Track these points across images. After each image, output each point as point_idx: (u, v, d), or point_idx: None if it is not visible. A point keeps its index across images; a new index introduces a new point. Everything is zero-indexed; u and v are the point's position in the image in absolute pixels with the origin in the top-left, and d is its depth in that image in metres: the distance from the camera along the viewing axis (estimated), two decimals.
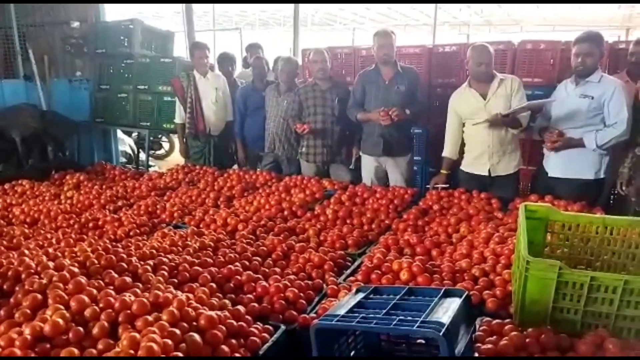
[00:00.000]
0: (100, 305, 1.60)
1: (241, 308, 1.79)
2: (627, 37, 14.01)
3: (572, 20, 15.89)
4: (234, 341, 1.58)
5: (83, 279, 1.75)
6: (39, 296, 1.65)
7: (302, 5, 7.60)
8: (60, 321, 1.49)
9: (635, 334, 1.59)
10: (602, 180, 3.23)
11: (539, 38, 4.09)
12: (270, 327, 1.74)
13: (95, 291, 1.67)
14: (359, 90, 3.83)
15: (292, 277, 2.16)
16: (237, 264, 2.22)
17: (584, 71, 3.03)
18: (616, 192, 3.42)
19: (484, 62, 3.25)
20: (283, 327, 1.75)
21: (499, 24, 19.09)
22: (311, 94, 4.00)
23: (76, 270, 1.85)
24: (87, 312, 1.56)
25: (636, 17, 16.18)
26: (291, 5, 7.44)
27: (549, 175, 3.31)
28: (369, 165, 3.94)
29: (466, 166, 3.55)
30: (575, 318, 1.63)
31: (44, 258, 1.99)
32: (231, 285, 2.06)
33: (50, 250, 2.20)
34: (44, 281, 1.73)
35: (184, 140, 4.77)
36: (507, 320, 1.75)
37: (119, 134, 6.41)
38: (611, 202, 3.63)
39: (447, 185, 3.53)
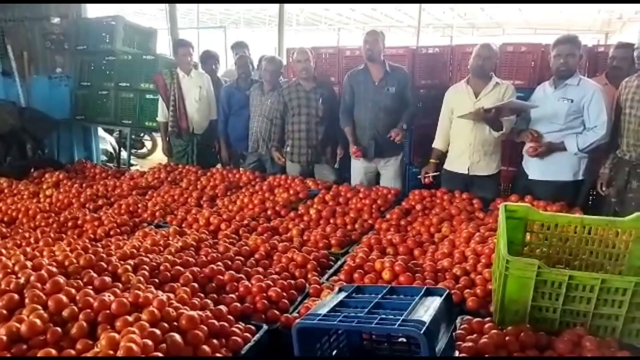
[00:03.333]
0: (79, 305, 1.58)
1: (223, 308, 1.78)
2: (606, 41, 14.32)
3: (553, 25, 16.16)
4: (215, 341, 1.56)
5: (61, 279, 1.72)
6: (16, 296, 1.62)
7: (287, 5, 7.58)
8: (38, 321, 1.46)
9: (611, 332, 1.63)
10: (581, 182, 3.29)
11: (520, 41, 4.15)
12: (253, 327, 1.73)
13: (73, 291, 1.65)
14: (348, 92, 3.81)
15: (274, 276, 2.15)
16: (219, 263, 2.20)
17: (567, 72, 3.08)
18: (595, 193, 3.49)
19: (483, 57, 3.29)
20: (265, 327, 1.74)
21: (481, 26, 19.33)
22: (295, 94, 3.98)
23: (54, 270, 1.81)
24: (66, 312, 1.54)
25: (615, 22, 16.52)
26: (276, 5, 7.43)
27: (528, 177, 3.36)
28: (359, 167, 3.92)
29: (448, 164, 3.60)
30: (554, 316, 1.66)
31: (22, 257, 1.95)
32: (213, 285, 2.05)
33: (28, 249, 2.16)
34: (21, 281, 1.70)
35: (167, 138, 4.72)
36: (487, 318, 1.77)
37: (100, 132, 6.32)
38: (590, 202, 3.70)
39: (438, 173, 3.60)
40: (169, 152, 4.76)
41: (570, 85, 3.11)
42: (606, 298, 1.59)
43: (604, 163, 3.29)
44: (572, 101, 3.08)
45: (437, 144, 3.62)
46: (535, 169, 3.31)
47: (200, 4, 12.92)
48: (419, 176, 3.70)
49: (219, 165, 4.68)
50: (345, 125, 3.85)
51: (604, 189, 3.29)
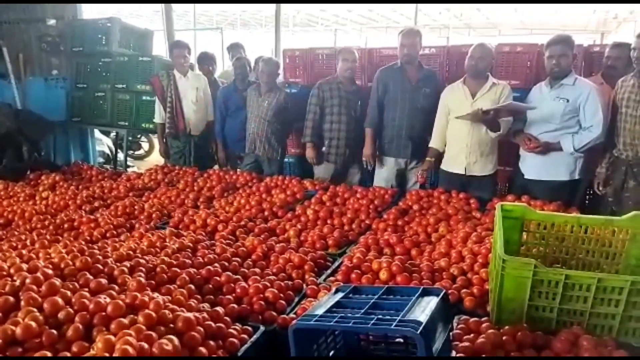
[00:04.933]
0: (75, 307, 1.57)
1: (220, 309, 1.77)
2: (602, 41, 14.38)
3: (548, 25, 16.22)
4: (212, 343, 1.56)
5: (57, 281, 1.70)
6: (11, 299, 1.60)
7: (283, 6, 7.58)
8: (33, 324, 1.45)
9: (608, 331, 1.63)
10: (577, 181, 3.30)
11: (516, 41, 4.16)
12: (250, 328, 1.73)
13: (69, 293, 1.63)
14: (380, 90, 3.76)
15: (272, 277, 2.15)
16: (216, 264, 2.19)
17: (560, 72, 3.10)
18: (591, 192, 3.50)
19: (477, 57, 3.30)
20: (262, 327, 1.73)
21: (478, 27, 19.39)
22: (336, 92, 3.92)
23: (50, 272, 1.80)
24: (61, 315, 1.53)
25: (610, 22, 16.61)
26: (273, 6, 7.43)
27: (525, 176, 3.37)
28: (390, 167, 3.88)
29: (445, 164, 3.61)
30: (551, 316, 1.66)
31: (17, 260, 1.94)
32: (210, 286, 2.04)
33: (24, 251, 2.14)
34: (17, 283, 1.69)
35: (164, 140, 4.71)
36: (484, 318, 1.77)
37: (97, 133, 6.30)
38: (586, 202, 3.71)
39: (430, 172, 3.66)
40: (166, 154, 4.75)
41: (565, 85, 3.12)
42: (603, 297, 1.59)
43: (601, 162, 3.30)
44: (567, 101, 3.09)
45: (434, 143, 3.62)
46: (531, 168, 3.32)
47: (196, 5, 12.92)
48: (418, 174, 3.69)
49: (216, 167, 4.67)
50: (370, 125, 3.81)
51: (600, 188, 3.30)
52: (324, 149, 4.08)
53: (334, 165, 4.06)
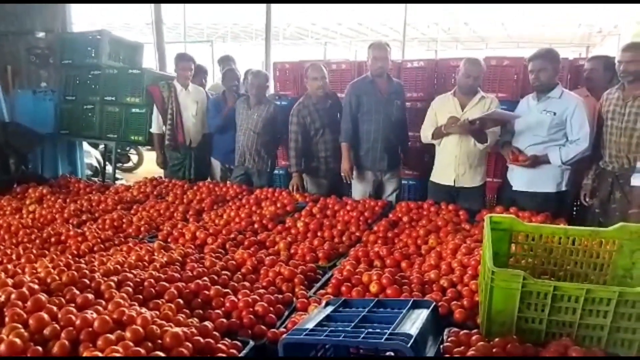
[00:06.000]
0: (61, 323, 1.54)
1: (209, 324, 1.75)
2: (587, 55, 14.64)
3: (535, 38, 16.50)
4: (201, 357, 1.54)
5: (43, 296, 1.68)
6: None
7: (273, 19, 7.62)
8: (18, 341, 1.42)
9: (597, 342, 1.63)
10: (565, 193, 3.33)
11: (503, 54, 4.23)
12: (239, 343, 1.71)
13: (55, 309, 1.61)
14: (354, 103, 3.72)
15: (261, 291, 2.13)
16: (205, 278, 2.17)
17: (540, 86, 3.15)
18: (579, 203, 3.54)
19: (472, 76, 3.34)
20: (252, 342, 1.72)
21: (465, 40, 19.65)
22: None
23: (36, 287, 1.77)
24: (47, 331, 1.50)
25: (595, 35, 16.93)
26: (263, 19, 7.48)
27: (513, 188, 3.40)
28: (368, 179, 3.88)
29: (434, 176, 3.64)
30: (540, 327, 1.66)
31: (2, 275, 1.91)
32: (199, 300, 2.02)
33: (10, 266, 2.11)
34: (2, 299, 1.66)
35: (162, 151, 4.67)
36: (474, 330, 1.76)
37: (85, 146, 6.25)
38: (574, 213, 3.74)
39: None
40: (164, 165, 4.72)
41: (552, 98, 3.16)
42: (591, 308, 1.60)
43: (587, 174, 3.34)
44: (554, 114, 3.13)
45: (424, 137, 3.60)
46: (519, 180, 3.35)
47: (187, 18, 12.96)
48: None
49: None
50: (345, 140, 3.77)
51: (587, 199, 3.34)
52: (314, 164, 4.06)
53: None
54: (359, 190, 3.92)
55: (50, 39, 5.40)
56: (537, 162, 3.21)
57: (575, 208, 3.74)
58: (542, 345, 1.62)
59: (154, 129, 4.64)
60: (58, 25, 5.50)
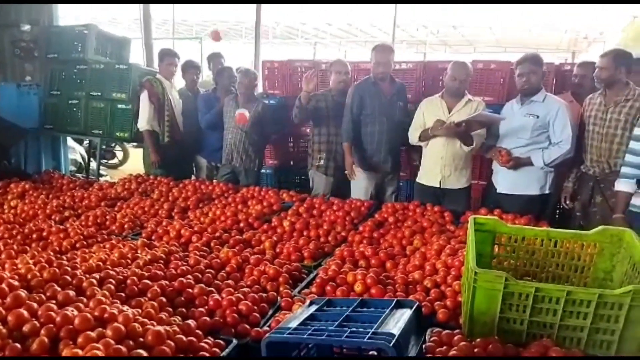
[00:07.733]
0: (41, 320, 1.52)
1: (192, 322, 1.74)
2: (573, 60, 14.87)
3: (522, 43, 16.68)
4: (183, 357, 1.53)
5: (23, 293, 1.65)
6: None
7: (263, 18, 7.60)
8: None
9: (577, 343, 1.66)
10: (548, 196, 3.37)
11: (490, 58, 4.27)
12: (222, 342, 1.70)
13: (35, 305, 1.59)
14: (357, 104, 3.71)
15: (245, 290, 2.12)
16: (189, 276, 2.16)
17: (530, 89, 3.19)
18: (561, 206, 3.59)
19: (459, 79, 3.37)
20: (235, 341, 1.71)
21: (454, 44, 19.80)
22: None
23: (16, 283, 1.75)
24: (26, 328, 1.48)
25: (581, 42, 17.17)
26: (253, 18, 7.45)
27: (497, 190, 3.43)
28: (369, 180, 3.87)
29: (420, 177, 3.66)
30: (521, 328, 1.68)
31: None
32: (182, 298, 2.01)
33: None
34: None
35: (156, 148, 4.46)
36: (457, 330, 1.78)
37: (70, 142, 6.17)
38: (557, 216, 3.80)
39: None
40: (159, 163, 4.47)
41: (535, 101, 3.21)
42: (572, 310, 1.62)
43: (568, 177, 3.39)
44: (537, 117, 3.18)
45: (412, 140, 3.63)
46: (504, 183, 3.39)
47: (176, 14, 12.85)
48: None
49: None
50: (348, 140, 3.77)
51: (567, 202, 3.39)
52: (322, 162, 4.05)
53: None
54: (360, 190, 3.89)
55: (35, 32, 5.31)
56: (519, 163, 3.25)
57: (558, 211, 3.79)
58: (523, 345, 1.64)
59: (142, 126, 4.44)
60: (44, 19, 5.40)
